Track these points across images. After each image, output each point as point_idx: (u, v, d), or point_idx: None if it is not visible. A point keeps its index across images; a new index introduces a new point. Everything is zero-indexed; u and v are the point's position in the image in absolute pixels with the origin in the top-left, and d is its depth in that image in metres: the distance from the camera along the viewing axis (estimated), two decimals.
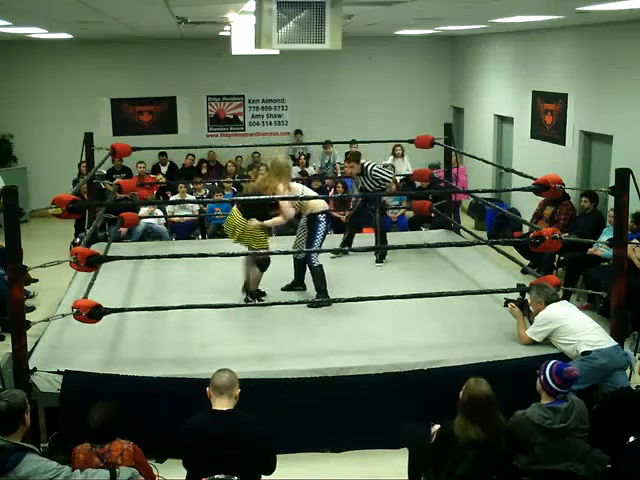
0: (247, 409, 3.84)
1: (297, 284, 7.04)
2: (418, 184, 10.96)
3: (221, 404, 3.78)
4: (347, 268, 7.63)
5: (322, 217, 6.68)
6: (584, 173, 9.47)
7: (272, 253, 6.48)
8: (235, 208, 6.56)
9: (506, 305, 5.87)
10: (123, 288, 7.18)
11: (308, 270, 6.84)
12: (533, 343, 5.56)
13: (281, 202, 6.40)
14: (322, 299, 6.51)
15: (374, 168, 7.86)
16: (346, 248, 8.09)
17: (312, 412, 5.23)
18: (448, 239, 8.92)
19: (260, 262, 6.53)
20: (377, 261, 8.03)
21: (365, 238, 8.60)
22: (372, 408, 5.27)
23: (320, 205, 6.72)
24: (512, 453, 4.00)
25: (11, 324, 5.23)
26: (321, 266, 6.68)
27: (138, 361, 5.45)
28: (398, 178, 11.47)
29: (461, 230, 9.18)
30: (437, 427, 4.25)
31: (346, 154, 13.01)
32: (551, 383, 4.12)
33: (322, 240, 6.71)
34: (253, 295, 6.57)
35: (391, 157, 11.74)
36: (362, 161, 7.91)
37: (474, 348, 5.61)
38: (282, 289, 6.99)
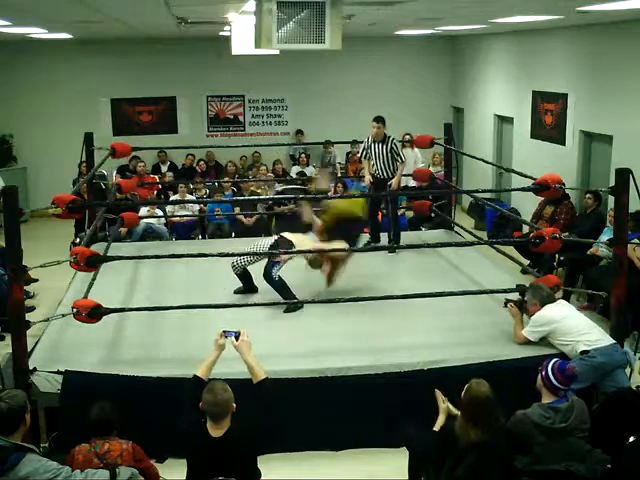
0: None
1: (249, 290, 6.97)
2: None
3: (217, 430, 3.72)
4: (347, 267, 7.61)
5: None
6: (584, 173, 9.47)
7: (280, 253, 6.50)
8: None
9: (506, 305, 5.88)
10: (123, 288, 7.18)
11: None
12: (532, 343, 5.57)
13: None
14: (294, 303, 6.43)
15: (395, 141, 8.12)
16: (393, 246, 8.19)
17: (312, 412, 5.23)
18: (448, 239, 8.92)
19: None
20: (390, 251, 8.14)
21: (365, 238, 8.61)
22: (372, 408, 5.27)
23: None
24: (512, 454, 4.01)
25: (11, 324, 5.22)
26: (280, 277, 6.56)
27: (138, 361, 5.46)
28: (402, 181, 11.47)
29: (461, 230, 9.16)
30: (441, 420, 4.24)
31: (347, 154, 13.14)
32: (553, 379, 4.13)
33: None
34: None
35: None
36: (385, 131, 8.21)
37: (474, 348, 5.61)
38: (235, 292, 6.96)
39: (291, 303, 6.42)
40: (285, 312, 6.43)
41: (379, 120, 8.07)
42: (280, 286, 6.56)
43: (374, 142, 8.15)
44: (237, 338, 4.10)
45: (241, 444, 3.72)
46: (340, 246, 6.59)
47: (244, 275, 6.90)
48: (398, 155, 8.12)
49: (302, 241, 6.70)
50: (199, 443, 3.74)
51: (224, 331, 4.15)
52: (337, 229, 6.72)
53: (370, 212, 8.61)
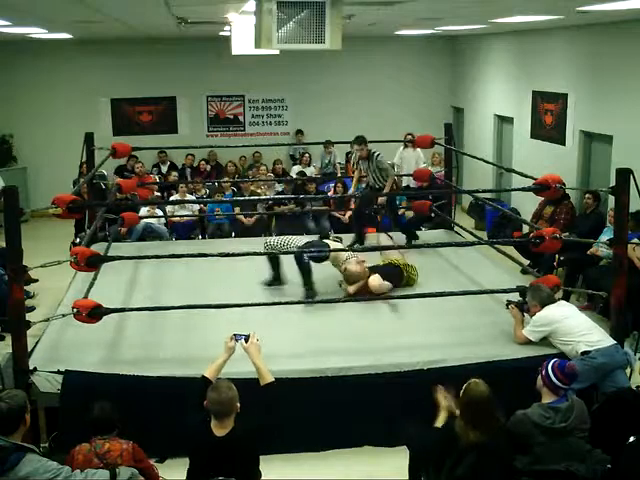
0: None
1: (276, 280, 7.13)
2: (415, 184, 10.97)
3: (221, 429, 3.74)
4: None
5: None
6: (584, 173, 9.47)
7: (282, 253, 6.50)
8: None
9: (507, 307, 5.88)
10: (123, 288, 7.18)
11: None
12: (532, 343, 5.57)
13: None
14: (310, 293, 6.64)
15: (379, 157, 8.15)
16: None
17: (312, 412, 5.23)
18: (448, 239, 8.92)
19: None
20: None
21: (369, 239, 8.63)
22: (372, 408, 5.27)
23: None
24: (512, 454, 4.01)
25: (11, 324, 5.23)
26: (309, 262, 6.78)
27: (138, 361, 5.46)
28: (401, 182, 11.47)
29: (461, 230, 9.16)
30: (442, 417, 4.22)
31: (347, 154, 13.13)
32: (553, 378, 4.12)
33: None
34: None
35: (401, 148, 11.70)
36: (369, 147, 8.23)
37: (474, 348, 5.62)
38: (263, 283, 7.12)
39: (295, 302, 6.40)
40: (304, 299, 6.54)
41: (360, 142, 8.09)
42: (306, 270, 6.73)
43: (360, 159, 8.22)
44: (247, 341, 4.18)
45: (244, 444, 3.73)
46: (375, 278, 6.70)
47: (274, 258, 7.02)
48: (383, 170, 8.16)
49: (340, 255, 6.86)
50: (202, 442, 3.75)
51: (234, 334, 4.22)
52: (381, 269, 6.92)
53: (356, 217, 8.66)
